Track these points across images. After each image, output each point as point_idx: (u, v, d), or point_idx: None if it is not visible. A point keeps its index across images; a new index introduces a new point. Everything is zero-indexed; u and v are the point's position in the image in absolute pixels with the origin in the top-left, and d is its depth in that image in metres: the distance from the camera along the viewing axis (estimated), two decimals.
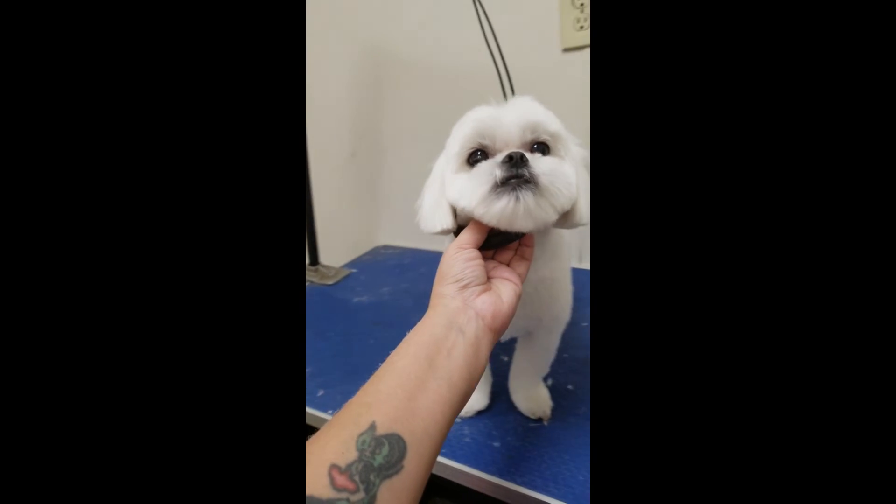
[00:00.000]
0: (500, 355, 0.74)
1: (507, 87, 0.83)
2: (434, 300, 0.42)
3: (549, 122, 0.44)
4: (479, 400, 0.63)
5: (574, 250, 1.04)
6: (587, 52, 0.91)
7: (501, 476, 0.54)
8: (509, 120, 0.44)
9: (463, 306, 0.40)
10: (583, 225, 0.46)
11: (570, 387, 0.67)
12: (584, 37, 0.90)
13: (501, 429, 0.61)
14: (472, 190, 0.42)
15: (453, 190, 0.44)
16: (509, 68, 0.82)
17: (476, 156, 0.45)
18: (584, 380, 0.68)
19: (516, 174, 0.40)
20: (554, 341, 0.59)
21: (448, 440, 0.57)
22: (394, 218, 1.33)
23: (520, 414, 0.63)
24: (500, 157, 0.42)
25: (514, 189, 0.40)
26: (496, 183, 0.41)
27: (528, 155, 0.41)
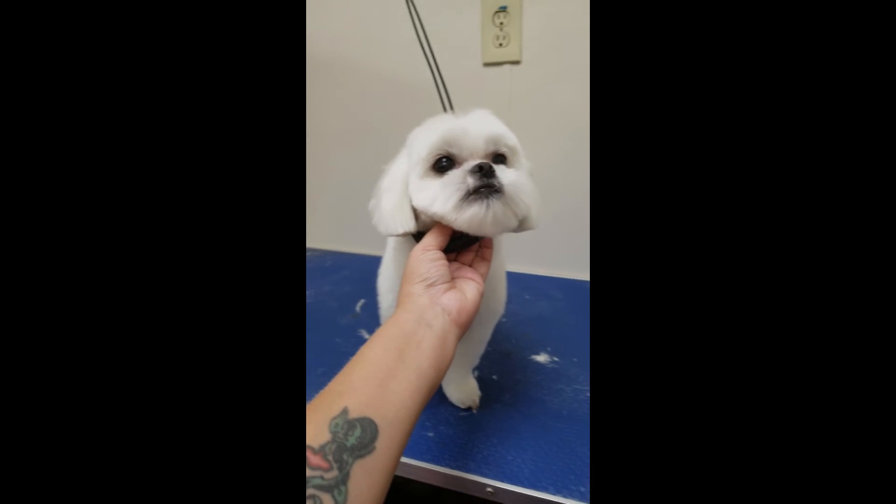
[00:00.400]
0: None
1: (445, 97, 0.87)
2: (402, 298, 0.45)
3: (508, 136, 0.48)
4: None
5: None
6: (506, 67, 0.99)
7: (437, 462, 0.57)
8: (475, 131, 0.47)
9: (430, 303, 0.43)
10: (533, 229, 0.51)
11: (494, 377, 0.73)
12: (503, 53, 0.97)
13: (434, 419, 0.64)
14: (446, 197, 0.44)
15: (424, 196, 0.46)
16: (427, 80, 0.86)
17: (442, 163, 0.47)
18: (506, 370, 0.74)
19: (487, 184, 0.44)
20: (486, 333, 0.64)
21: None
22: (317, 220, 1.31)
23: (451, 405, 0.67)
24: (468, 165, 0.45)
25: (485, 197, 0.44)
26: (469, 191, 0.44)
27: (495, 166, 0.45)
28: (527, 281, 1.05)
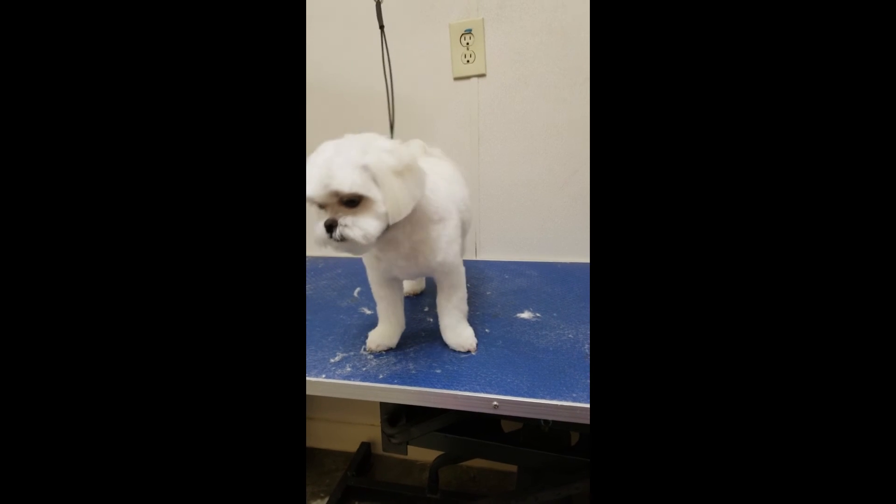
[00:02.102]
0: (424, 308, 0.88)
1: (391, 112, 1.01)
2: None
3: (344, 186, 0.58)
4: (389, 338, 0.77)
5: (468, 244, 1.23)
6: (474, 80, 1.14)
7: (446, 388, 0.66)
8: (318, 191, 0.59)
9: None
10: (398, 220, 0.63)
11: (486, 330, 0.83)
12: (470, 68, 1.13)
13: (440, 360, 0.73)
14: (316, 239, 0.62)
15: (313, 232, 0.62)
16: (409, 94, 1.00)
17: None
18: (496, 326, 0.84)
19: (330, 236, 0.60)
20: (458, 279, 0.75)
21: (398, 375, 0.70)
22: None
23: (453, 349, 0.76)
24: (322, 221, 0.60)
25: (334, 240, 0.60)
26: (324, 238, 0.61)
27: (339, 218, 0.60)
28: (504, 266, 1.17)
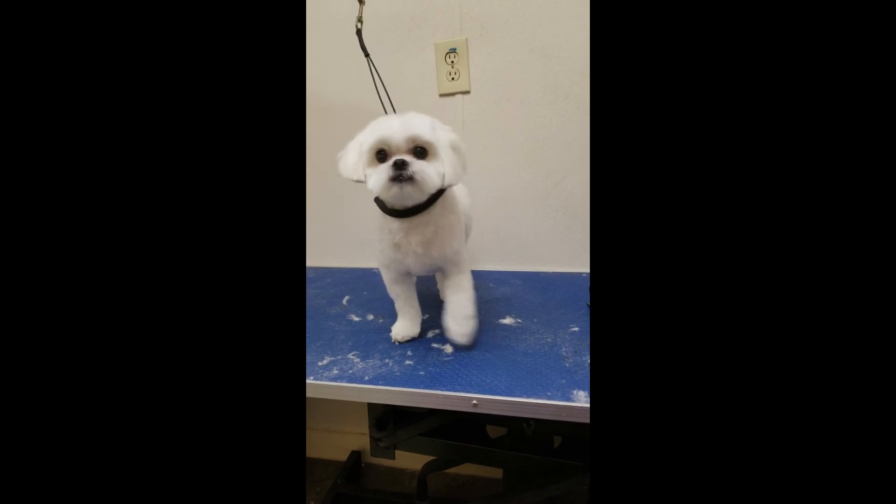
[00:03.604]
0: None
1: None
2: None
3: (423, 134, 0.69)
4: (411, 329, 0.84)
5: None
6: (458, 96, 1.19)
7: (428, 388, 0.69)
8: (399, 133, 0.69)
9: None
10: (453, 185, 0.73)
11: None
12: (455, 86, 1.18)
13: (423, 362, 0.77)
14: (378, 181, 0.68)
15: (369, 181, 0.69)
16: (396, 108, 1.05)
17: (379, 155, 0.70)
18: (478, 330, 0.88)
19: (400, 174, 0.66)
20: (465, 280, 0.80)
21: (383, 377, 0.73)
22: None
23: (436, 352, 0.80)
24: (391, 160, 0.67)
25: (399, 182, 0.66)
26: (389, 178, 0.67)
27: (408, 159, 0.67)
28: (489, 275, 1.21)
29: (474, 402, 0.67)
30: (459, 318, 0.80)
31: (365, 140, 0.71)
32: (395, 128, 0.68)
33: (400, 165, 0.66)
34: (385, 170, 0.67)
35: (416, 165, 0.67)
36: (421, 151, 0.69)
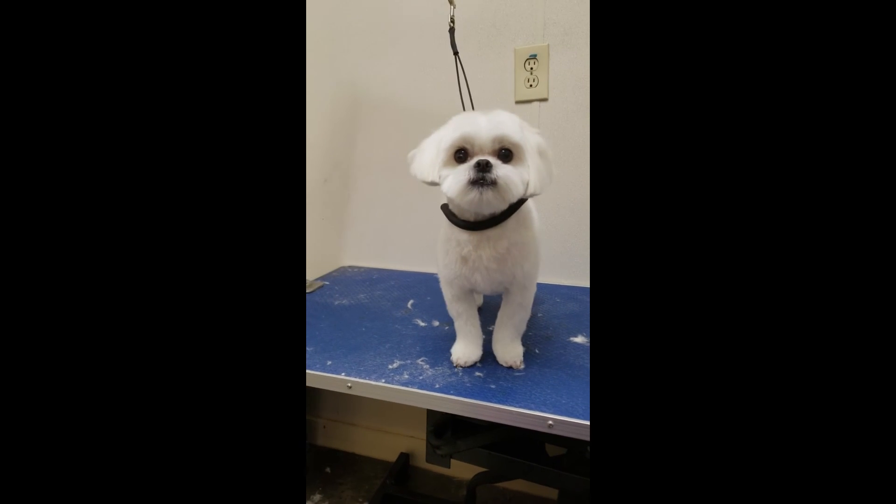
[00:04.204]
0: (489, 326, 0.89)
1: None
2: None
3: (512, 135, 0.63)
4: (474, 352, 0.79)
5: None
6: (535, 103, 1.17)
7: (500, 403, 0.67)
8: (485, 133, 0.62)
9: None
10: (536, 195, 0.66)
11: (536, 350, 0.84)
12: (533, 92, 1.16)
13: (493, 375, 0.75)
14: (455, 183, 0.61)
15: (445, 182, 0.63)
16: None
17: (459, 154, 0.63)
18: (548, 347, 0.85)
19: (482, 177, 0.60)
20: (528, 298, 0.76)
21: (454, 386, 0.72)
22: (359, 241, 1.45)
23: (507, 367, 0.77)
24: (474, 161, 0.61)
25: (480, 186, 0.60)
26: (469, 181, 0.60)
27: (492, 161, 0.60)
28: (556, 289, 1.17)
29: (550, 422, 0.64)
30: (506, 345, 0.78)
31: (445, 136, 0.64)
32: (482, 125, 0.62)
33: (483, 167, 0.59)
34: (465, 171, 0.60)
35: (502, 169, 0.60)
36: (506, 154, 0.63)
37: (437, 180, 0.64)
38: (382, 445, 1.53)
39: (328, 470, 1.48)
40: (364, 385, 0.74)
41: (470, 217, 0.67)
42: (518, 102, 1.18)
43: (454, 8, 0.93)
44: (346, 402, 1.54)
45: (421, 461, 1.46)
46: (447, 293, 0.79)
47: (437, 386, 0.72)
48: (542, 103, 1.17)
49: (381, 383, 0.73)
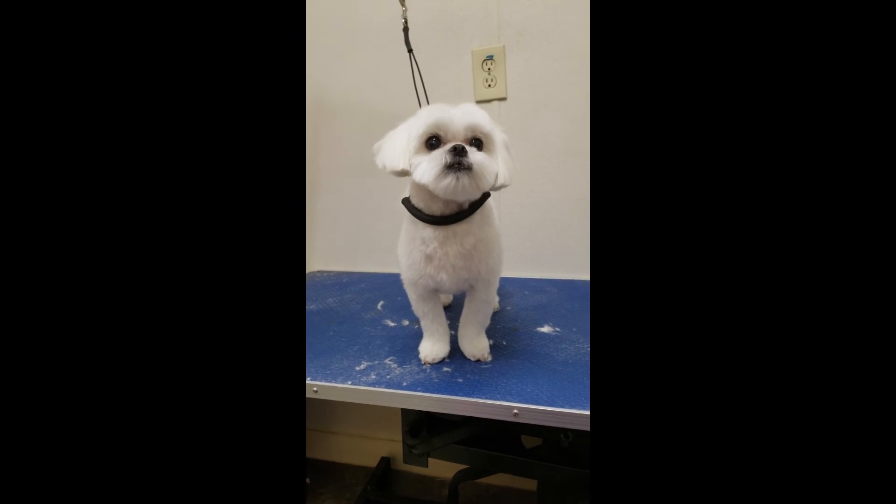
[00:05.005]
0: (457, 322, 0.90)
1: None
2: None
3: (483, 124, 0.64)
4: (442, 349, 0.79)
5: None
6: (495, 103, 1.19)
7: (467, 396, 0.68)
8: (458, 120, 0.63)
9: None
10: (506, 186, 0.66)
11: (504, 342, 0.85)
12: (492, 92, 1.18)
13: (461, 369, 0.76)
14: (430, 169, 0.61)
15: (417, 170, 0.62)
16: None
17: (432, 141, 0.64)
18: (516, 339, 0.86)
19: (459, 161, 0.60)
20: (492, 294, 0.78)
21: (421, 383, 0.72)
22: (327, 245, 1.44)
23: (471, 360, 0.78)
24: (448, 146, 0.61)
25: (456, 171, 0.60)
26: (445, 164, 0.60)
27: (467, 147, 0.61)
28: (525, 282, 1.19)
29: (515, 411, 0.65)
30: (472, 339, 0.79)
31: (417, 124, 0.63)
32: (455, 113, 0.62)
33: (460, 152, 0.59)
34: (440, 156, 0.60)
35: (477, 156, 0.60)
36: (478, 143, 0.63)
37: (408, 168, 0.64)
38: (363, 451, 1.52)
39: (308, 480, 1.47)
40: (330, 388, 0.73)
41: (437, 210, 0.66)
42: (479, 102, 1.20)
43: (406, 10, 0.94)
44: (323, 411, 1.53)
45: (402, 464, 1.45)
46: (412, 294, 0.79)
47: (405, 384, 0.72)
48: (502, 102, 1.19)
49: (346, 385, 0.73)
